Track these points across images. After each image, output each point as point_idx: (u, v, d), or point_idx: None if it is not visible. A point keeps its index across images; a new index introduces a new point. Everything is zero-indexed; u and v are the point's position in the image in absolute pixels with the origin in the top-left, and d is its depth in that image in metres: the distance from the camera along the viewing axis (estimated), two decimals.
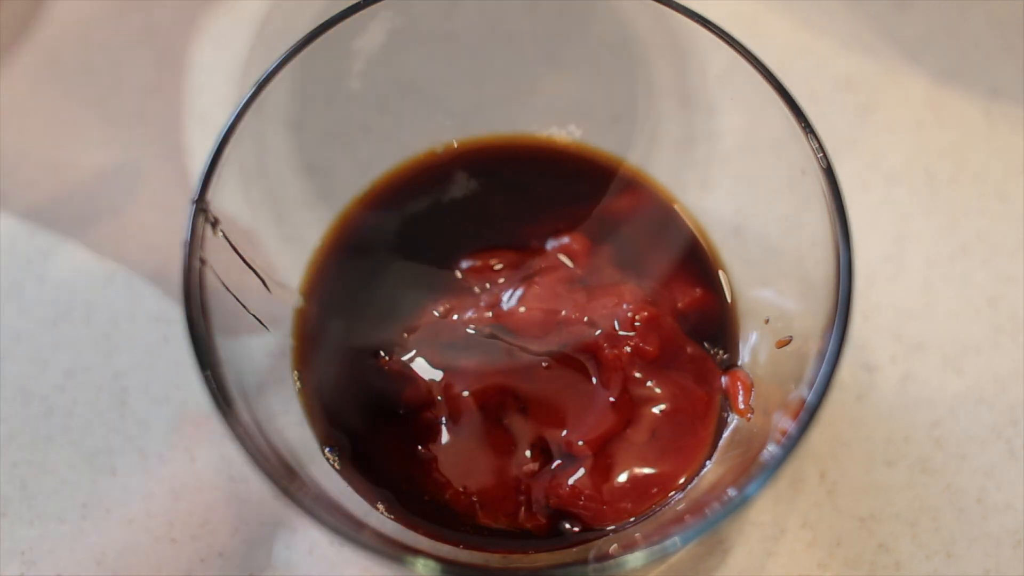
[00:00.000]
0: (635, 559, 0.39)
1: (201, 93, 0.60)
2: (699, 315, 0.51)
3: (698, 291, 0.51)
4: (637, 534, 0.46)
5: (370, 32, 0.52)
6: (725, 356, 0.50)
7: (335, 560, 0.50)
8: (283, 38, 0.57)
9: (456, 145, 0.55)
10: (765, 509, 0.51)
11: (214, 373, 0.41)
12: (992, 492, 0.51)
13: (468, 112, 0.56)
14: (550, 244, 0.52)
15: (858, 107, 0.60)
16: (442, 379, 0.49)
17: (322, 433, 0.49)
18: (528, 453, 0.48)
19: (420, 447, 0.48)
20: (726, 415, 0.49)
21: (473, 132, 0.55)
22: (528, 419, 0.48)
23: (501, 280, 0.51)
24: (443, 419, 0.48)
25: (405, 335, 0.50)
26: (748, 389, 0.49)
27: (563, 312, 0.50)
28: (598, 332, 0.49)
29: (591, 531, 0.47)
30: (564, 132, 0.51)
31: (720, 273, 0.52)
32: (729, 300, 0.52)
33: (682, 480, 0.48)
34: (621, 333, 0.49)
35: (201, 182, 0.44)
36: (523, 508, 0.47)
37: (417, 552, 0.40)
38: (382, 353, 0.50)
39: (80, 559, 0.50)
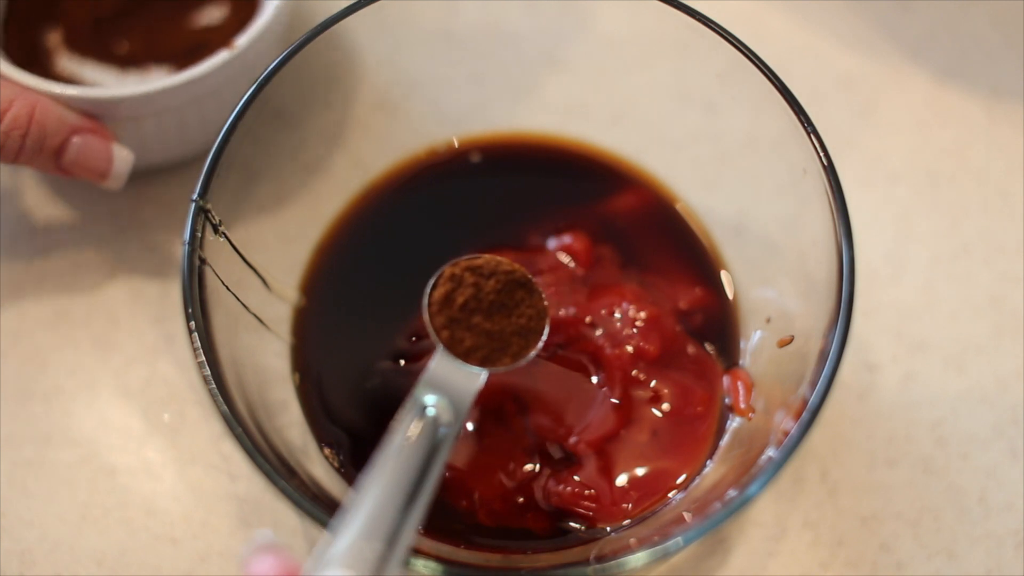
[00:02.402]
0: (637, 559, 0.39)
1: None
2: (700, 315, 0.51)
3: (699, 290, 0.51)
4: (639, 534, 0.46)
5: (370, 32, 0.52)
6: (726, 356, 0.50)
7: None
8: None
9: (456, 144, 0.55)
10: (766, 509, 0.51)
11: (214, 373, 0.41)
12: (994, 492, 0.51)
13: (468, 111, 0.56)
14: (551, 243, 0.52)
15: (859, 106, 0.60)
16: None
17: (321, 432, 0.49)
18: (529, 453, 0.48)
19: None
20: (727, 415, 0.49)
21: (473, 131, 0.55)
22: (529, 419, 0.48)
23: None
24: None
25: (415, 338, 0.50)
26: (749, 388, 0.49)
27: (564, 312, 0.50)
28: (599, 332, 0.49)
29: (592, 530, 0.47)
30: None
31: (721, 272, 0.52)
32: (731, 299, 0.52)
33: (683, 480, 0.48)
34: (622, 333, 0.49)
35: (201, 182, 0.43)
36: (524, 508, 0.47)
37: (417, 552, 0.40)
38: (390, 356, 0.50)
39: (80, 559, 0.50)
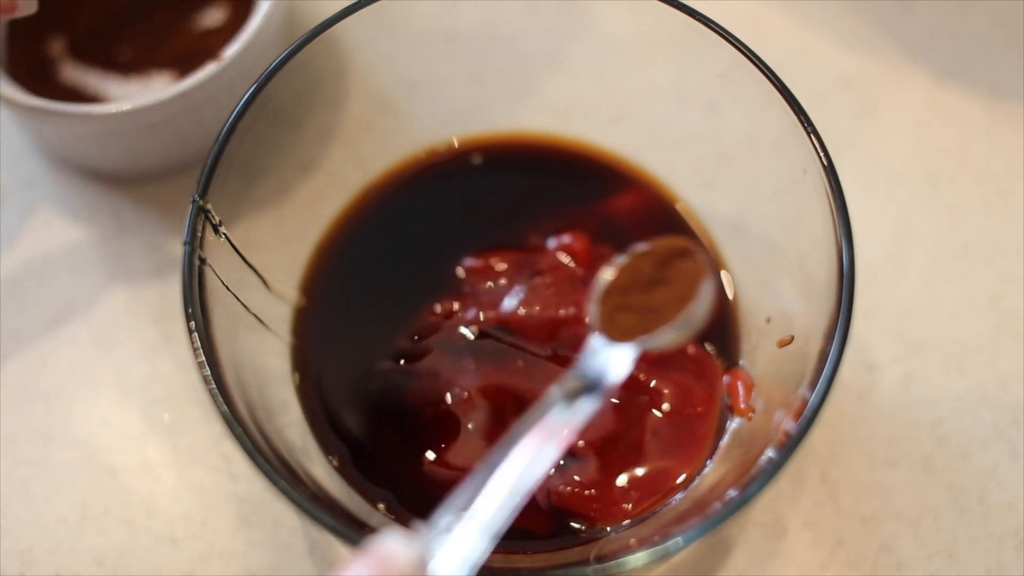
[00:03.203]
0: (637, 559, 0.39)
1: None
2: None
3: None
4: (639, 534, 0.46)
5: (370, 32, 0.52)
6: (726, 356, 0.50)
7: (335, 560, 0.50)
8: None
9: (457, 144, 0.55)
10: (766, 509, 0.51)
11: (214, 373, 0.41)
12: (994, 492, 0.51)
13: (468, 111, 0.56)
14: (551, 243, 0.52)
15: (859, 106, 0.59)
16: (443, 380, 0.49)
17: (322, 433, 0.49)
18: None
19: (420, 447, 0.48)
20: (727, 415, 0.49)
21: (473, 131, 0.55)
22: None
23: (502, 280, 0.51)
24: (444, 419, 0.48)
25: (416, 337, 0.50)
26: (749, 388, 0.49)
27: (564, 312, 0.50)
28: None
29: (592, 530, 0.47)
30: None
31: (721, 272, 0.52)
32: (730, 299, 0.51)
33: (683, 479, 0.48)
34: None
35: (201, 182, 0.43)
36: (524, 508, 0.47)
37: None
38: (390, 356, 0.50)
39: (80, 559, 0.50)
